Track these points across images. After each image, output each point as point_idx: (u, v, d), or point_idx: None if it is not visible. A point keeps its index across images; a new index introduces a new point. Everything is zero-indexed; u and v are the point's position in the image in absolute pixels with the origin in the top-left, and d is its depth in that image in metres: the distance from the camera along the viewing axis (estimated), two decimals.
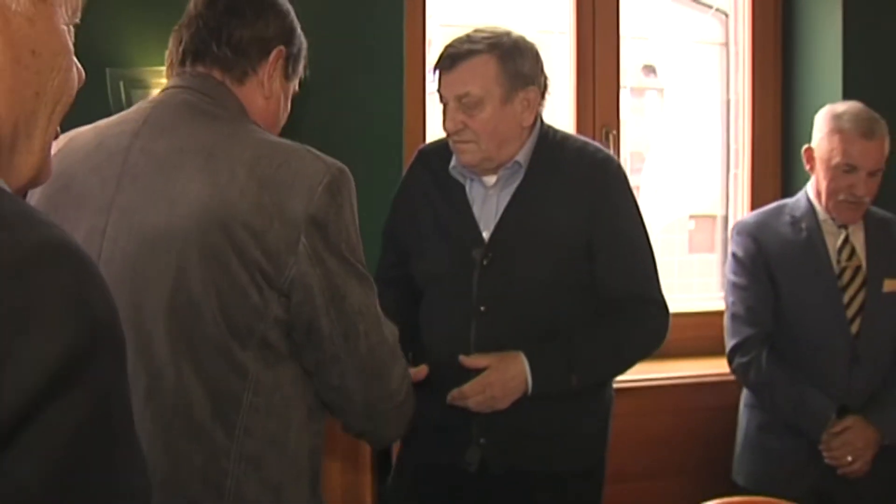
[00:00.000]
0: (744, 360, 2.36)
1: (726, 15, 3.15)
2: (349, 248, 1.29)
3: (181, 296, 1.23)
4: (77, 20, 0.80)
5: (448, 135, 1.88)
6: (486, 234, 1.90)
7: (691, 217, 3.26)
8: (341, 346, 1.29)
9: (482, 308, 1.88)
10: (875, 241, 2.37)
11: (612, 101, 2.76)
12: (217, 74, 1.37)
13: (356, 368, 1.31)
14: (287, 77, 1.44)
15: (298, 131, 2.05)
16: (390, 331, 1.37)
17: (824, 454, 2.25)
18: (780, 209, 2.41)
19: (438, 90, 1.89)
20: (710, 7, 3.15)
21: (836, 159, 2.25)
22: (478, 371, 1.82)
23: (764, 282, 2.35)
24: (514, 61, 1.85)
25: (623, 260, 1.92)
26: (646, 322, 1.95)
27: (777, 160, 3.06)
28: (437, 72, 1.88)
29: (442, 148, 1.99)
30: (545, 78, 1.91)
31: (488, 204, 1.93)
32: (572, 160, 1.93)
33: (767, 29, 3.01)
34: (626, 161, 3.00)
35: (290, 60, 1.43)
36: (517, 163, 1.90)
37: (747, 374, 2.36)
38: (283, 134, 1.42)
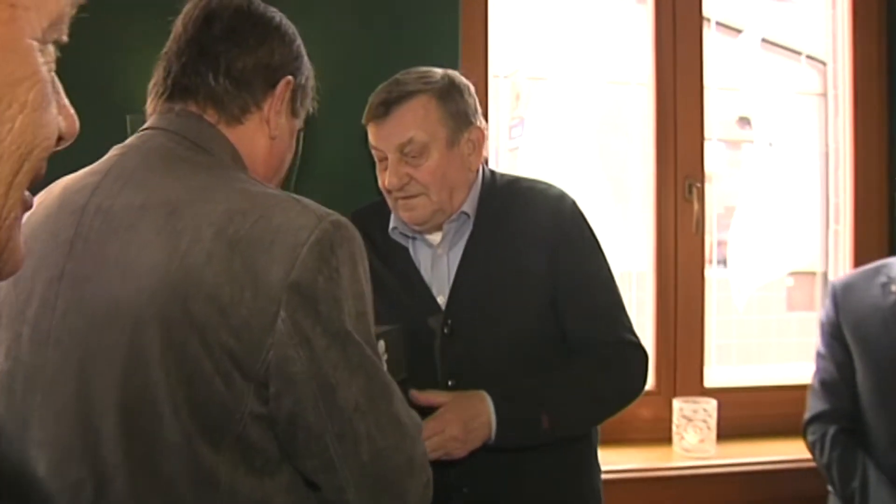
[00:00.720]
0: (813, 437, 2.16)
1: (824, 64, 3.01)
2: (350, 325, 1.04)
3: (134, 386, 1.00)
4: (62, 37, 0.58)
5: (390, 192, 1.70)
6: (441, 300, 1.74)
7: (790, 274, 3.10)
8: (336, 450, 1.05)
9: (450, 383, 1.71)
10: None
11: (696, 153, 2.66)
12: (210, 114, 1.17)
13: (357, 480, 1.06)
14: (294, 112, 1.26)
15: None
16: (410, 433, 1.11)
17: None
18: (878, 269, 2.16)
19: (373, 146, 1.72)
20: (801, 53, 3.02)
21: None
22: None
23: (839, 352, 2.14)
24: (455, 100, 1.70)
25: (591, 302, 1.75)
26: (623, 364, 1.76)
27: (883, 214, 2.87)
28: (369, 125, 1.71)
29: (374, 211, 1.83)
30: (481, 118, 1.77)
31: (438, 265, 1.77)
32: (524, 203, 1.77)
33: (871, 77, 2.85)
34: (711, 218, 2.88)
35: (297, 92, 1.25)
36: (464, 213, 1.74)
37: (814, 453, 2.15)
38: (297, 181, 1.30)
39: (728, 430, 2.55)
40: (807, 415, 2.18)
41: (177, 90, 1.17)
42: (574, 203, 1.79)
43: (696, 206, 2.64)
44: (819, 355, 2.18)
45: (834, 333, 2.15)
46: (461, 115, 1.71)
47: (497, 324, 1.72)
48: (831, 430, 2.12)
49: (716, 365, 2.82)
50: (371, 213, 1.84)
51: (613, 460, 2.36)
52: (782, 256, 3.15)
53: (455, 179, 1.71)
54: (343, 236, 1.07)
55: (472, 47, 2.40)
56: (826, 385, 2.16)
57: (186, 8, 1.21)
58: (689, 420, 2.52)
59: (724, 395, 2.60)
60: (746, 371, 2.72)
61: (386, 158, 1.69)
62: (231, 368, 0.99)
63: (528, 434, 1.66)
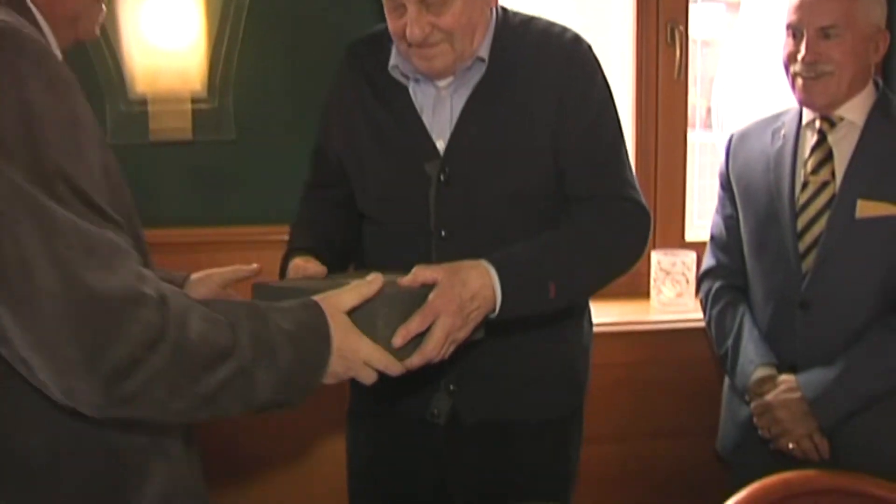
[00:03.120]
0: (701, 294, 2.06)
1: None
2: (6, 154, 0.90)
3: None
4: None
5: (411, 44, 1.53)
6: (440, 145, 1.61)
7: None
8: None
9: (443, 233, 1.60)
10: (868, 148, 1.80)
11: None
12: None
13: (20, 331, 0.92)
14: None
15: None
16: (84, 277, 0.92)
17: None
18: (777, 116, 1.97)
19: None
20: None
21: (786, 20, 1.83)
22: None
23: (728, 204, 2.01)
24: None
25: (596, 154, 1.63)
26: (628, 224, 1.63)
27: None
28: None
29: (374, 45, 1.69)
30: None
31: (441, 108, 1.63)
32: (537, 47, 1.63)
33: None
34: (696, 79, 2.74)
35: None
36: (479, 59, 1.60)
37: (703, 311, 2.05)
38: None
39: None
40: (701, 269, 2.08)
41: None
42: (589, 48, 1.66)
43: (677, 51, 2.49)
44: (715, 210, 2.06)
45: (724, 184, 2.02)
46: None
47: (498, 174, 1.60)
48: (715, 286, 2.01)
49: (697, 222, 2.71)
50: (368, 48, 1.71)
51: None
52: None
53: (477, 21, 1.57)
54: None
55: None
56: (715, 240, 2.05)
57: None
58: (668, 273, 2.42)
59: (704, 249, 2.48)
60: None
61: (401, 6, 1.51)
62: None
63: (534, 305, 1.52)
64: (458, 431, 1.68)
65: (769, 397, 1.83)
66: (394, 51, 1.63)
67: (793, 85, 1.84)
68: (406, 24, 1.50)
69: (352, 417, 1.86)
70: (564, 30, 1.67)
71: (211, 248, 2.23)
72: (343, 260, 1.72)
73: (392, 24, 1.55)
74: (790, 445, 1.82)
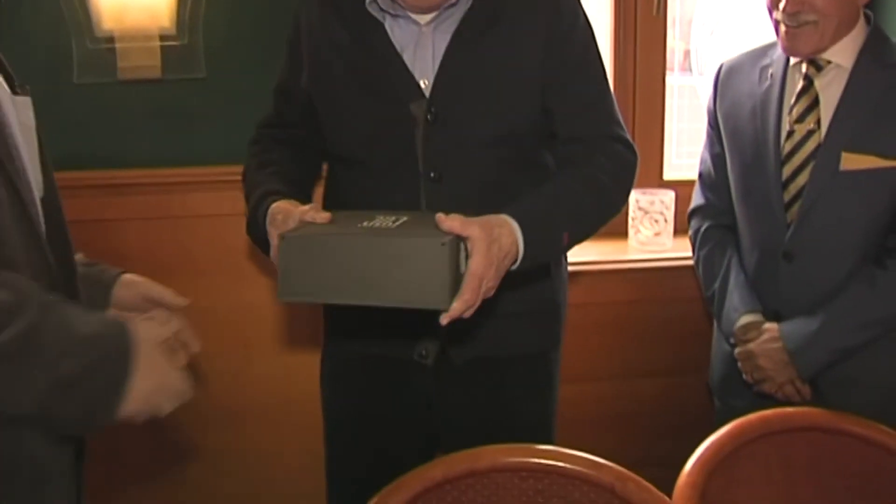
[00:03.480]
0: (691, 232, 2.03)
1: None
2: None
3: None
4: None
5: None
6: (423, 84, 1.57)
7: None
8: None
9: (432, 174, 1.57)
10: (855, 96, 1.74)
11: None
12: None
13: None
14: None
15: None
16: None
17: None
18: (765, 50, 1.90)
19: None
20: None
21: None
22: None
23: (715, 142, 1.96)
24: None
25: (586, 94, 1.61)
26: (622, 164, 1.62)
27: None
28: None
29: None
30: None
31: (422, 46, 1.58)
32: None
33: None
34: (674, 20, 2.69)
35: None
36: None
37: (693, 248, 2.02)
38: None
39: (687, 225, 2.41)
40: (690, 206, 2.04)
41: None
42: None
43: None
44: (703, 146, 2.02)
45: (712, 122, 1.97)
46: None
47: (486, 112, 1.56)
48: (704, 226, 1.99)
49: (675, 160, 2.69)
50: None
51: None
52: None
53: None
54: None
55: None
56: (703, 178, 2.01)
57: None
58: (646, 212, 2.40)
59: (684, 189, 2.46)
60: None
61: None
62: None
63: (549, 255, 1.57)
64: (447, 371, 1.67)
65: (752, 346, 1.83)
66: None
67: (776, 31, 1.79)
68: None
69: (329, 363, 1.82)
70: None
71: (182, 188, 2.20)
72: (306, 202, 1.67)
73: None
74: (773, 390, 1.83)
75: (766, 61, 1.87)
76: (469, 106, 1.56)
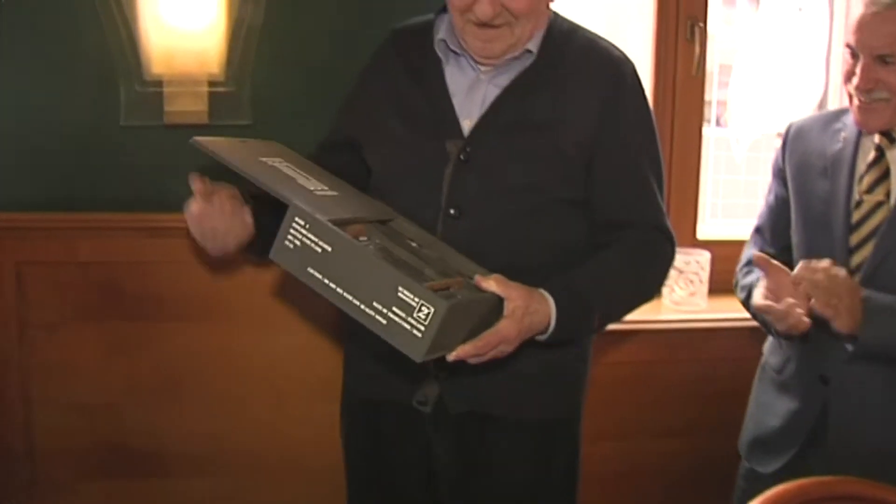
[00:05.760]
0: (739, 274, 1.95)
1: None
2: None
3: None
4: None
5: (481, 24, 1.54)
6: (465, 125, 1.61)
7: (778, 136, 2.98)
8: None
9: (452, 211, 1.59)
10: None
11: None
12: None
13: None
14: None
15: None
16: None
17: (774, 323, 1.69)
18: (838, 115, 1.87)
19: None
20: None
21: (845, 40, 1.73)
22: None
23: (779, 197, 1.91)
24: None
25: (633, 179, 1.62)
26: (661, 253, 1.65)
27: None
28: None
29: (417, 32, 1.71)
30: None
31: (475, 91, 1.63)
32: (584, 55, 1.63)
33: None
34: (712, 74, 2.72)
35: None
36: (527, 51, 1.61)
37: (738, 297, 1.94)
38: None
39: (721, 285, 2.41)
40: (739, 265, 1.97)
41: None
42: (635, 70, 1.67)
43: (696, 48, 2.48)
44: (760, 213, 1.98)
45: (777, 174, 1.93)
46: None
47: (518, 164, 1.59)
48: (753, 273, 1.87)
49: (709, 219, 2.70)
50: (413, 33, 1.72)
51: None
52: (781, 113, 3.00)
53: (541, 12, 1.60)
54: None
55: None
56: (760, 231, 1.96)
57: None
58: (681, 272, 2.41)
59: (718, 249, 2.48)
60: (742, 225, 2.57)
61: None
62: None
63: (578, 333, 1.60)
64: (443, 421, 1.67)
65: (826, 262, 1.64)
66: (444, 25, 1.64)
67: (850, 102, 1.77)
68: (474, 0, 1.51)
69: (346, 410, 1.86)
70: (612, 46, 1.68)
71: None
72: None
73: (465, 9, 1.54)
74: (789, 312, 1.63)
75: (838, 125, 1.85)
76: (503, 153, 1.59)
